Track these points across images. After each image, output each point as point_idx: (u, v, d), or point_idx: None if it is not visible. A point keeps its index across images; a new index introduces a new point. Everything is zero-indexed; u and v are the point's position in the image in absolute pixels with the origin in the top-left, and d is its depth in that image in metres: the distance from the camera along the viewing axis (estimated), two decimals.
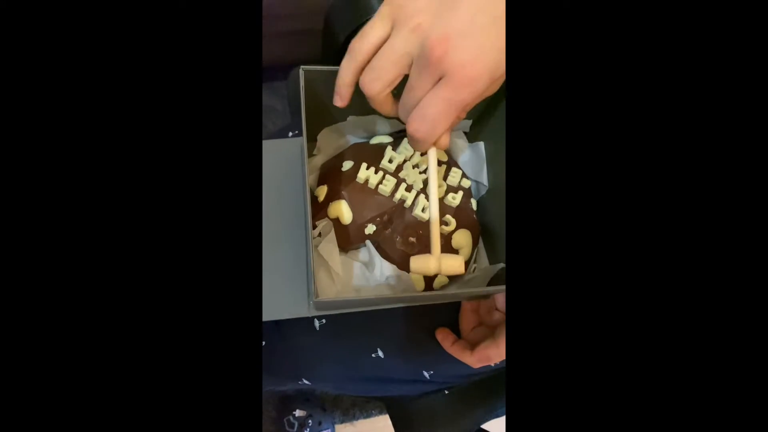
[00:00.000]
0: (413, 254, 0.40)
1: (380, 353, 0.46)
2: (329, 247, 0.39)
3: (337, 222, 0.41)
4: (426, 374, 0.47)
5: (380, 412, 1.02)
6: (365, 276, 0.40)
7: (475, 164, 0.46)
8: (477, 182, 0.46)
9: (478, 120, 0.45)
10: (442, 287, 0.42)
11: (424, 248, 0.40)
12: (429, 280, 0.41)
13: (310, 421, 0.94)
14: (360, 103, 0.41)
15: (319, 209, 0.41)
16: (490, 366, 0.48)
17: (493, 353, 0.39)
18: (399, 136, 0.45)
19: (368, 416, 1.01)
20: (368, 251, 0.40)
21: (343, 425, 0.99)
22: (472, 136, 0.47)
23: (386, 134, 0.46)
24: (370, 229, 0.40)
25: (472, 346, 0.40)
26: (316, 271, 0.40)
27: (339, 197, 0.40)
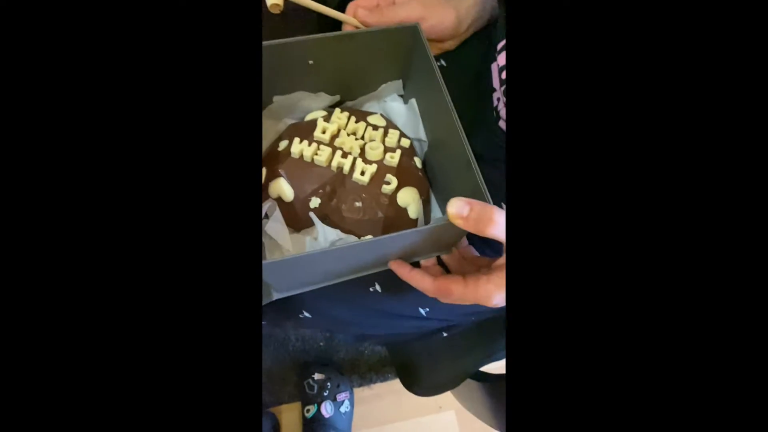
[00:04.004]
0: (360, 219, 0.42)
1: (378, 287, 0.46)
2: (276, 226, 0.41)
3: (280, 201, 0.42)
4: (422, 311, 0.47)
5: (395, 376, 1.04)
6: (313, 246, 0.41)
7: (413, 123, 0.46)
8: (420, 141, 0.46)
9: (407, 79, 0.46)
10: None
11: (370, 210, 0.41)
12: None
13: (329, 383, 0.97)
14: (282, 81, 0.41)
15: (262, 191, 0.43)
16: (485, 307, 0.45)
17: (456, 289, 0.35)
18: (332, 110, 0.45)
19: (384, 380, 1.04)
20: (315, 224, 0.42)
21: (360, 388, 1.02)
22: (406, 97, 0.47)
23: (320, 109, 0.46)
24: (315, 202, 0.41)
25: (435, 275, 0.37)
26: (268, 253, 0.41)
27: (276, 175, 0.41)
